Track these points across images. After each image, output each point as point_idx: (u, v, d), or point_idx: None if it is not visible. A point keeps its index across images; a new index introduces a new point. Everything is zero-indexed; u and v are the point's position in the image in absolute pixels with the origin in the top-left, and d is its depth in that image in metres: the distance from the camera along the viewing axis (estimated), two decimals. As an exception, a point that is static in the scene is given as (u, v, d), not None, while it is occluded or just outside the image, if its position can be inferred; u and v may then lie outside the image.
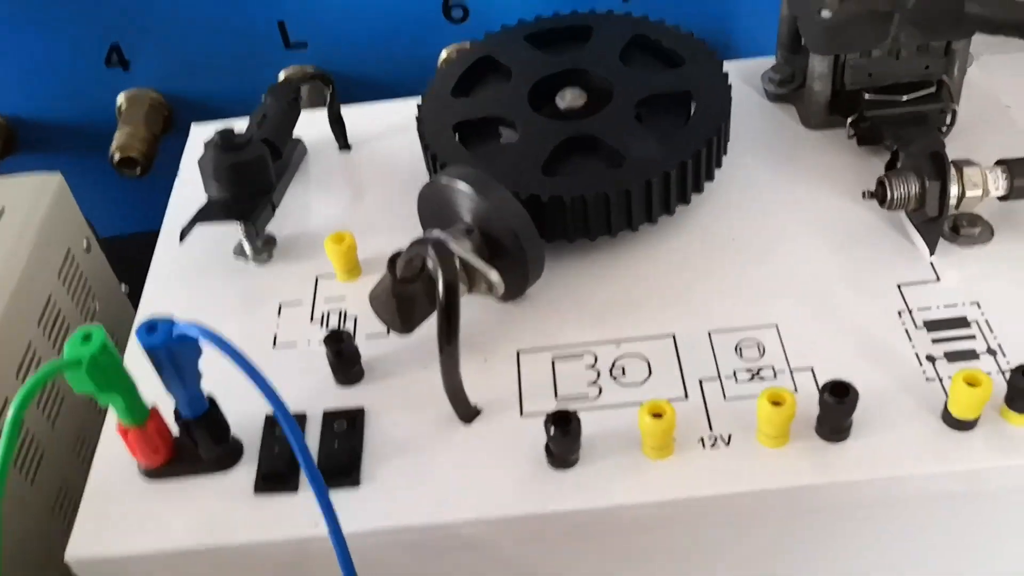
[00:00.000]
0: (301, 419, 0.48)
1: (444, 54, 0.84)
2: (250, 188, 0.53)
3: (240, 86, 0.87)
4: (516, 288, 0.51)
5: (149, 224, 0.63)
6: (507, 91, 0.57)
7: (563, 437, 0.43)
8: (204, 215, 0.52)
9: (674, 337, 0.49)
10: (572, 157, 0.54)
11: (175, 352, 0.41)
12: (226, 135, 0.52)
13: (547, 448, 0.44)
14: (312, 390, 0.49)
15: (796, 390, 0.46)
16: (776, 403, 0.43)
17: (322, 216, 0.59)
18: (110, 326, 0.45)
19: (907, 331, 0.48)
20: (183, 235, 0.52)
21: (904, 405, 0.45)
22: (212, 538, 0.44)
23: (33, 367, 0.62)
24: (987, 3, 0.49)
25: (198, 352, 0.42)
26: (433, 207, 0.51)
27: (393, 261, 0.46)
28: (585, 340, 0.50)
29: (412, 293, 0.46)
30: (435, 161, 0.54)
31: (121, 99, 0.88)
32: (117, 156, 0.84)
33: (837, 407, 0.43)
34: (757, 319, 0.50)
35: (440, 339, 0.43)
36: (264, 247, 0.56)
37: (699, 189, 0.54)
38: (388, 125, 0.64)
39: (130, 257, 0.69)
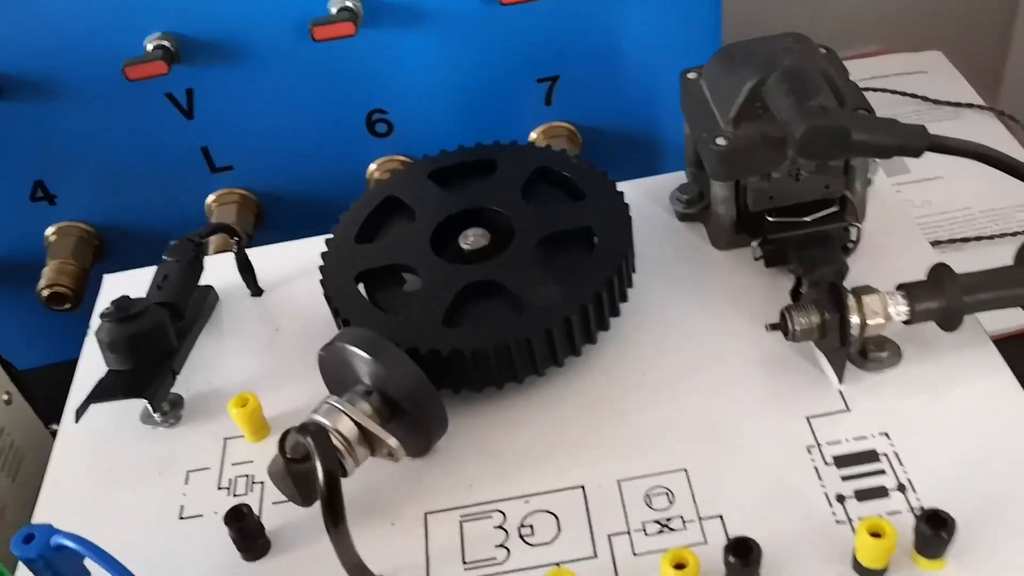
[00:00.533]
0: (205, 601, 0.47)
1: (373, 166, 0.84)
2: (149, 357, 0.52)
3: (169, 211, 0.87)
4: (420, 446, 0.50)
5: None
6: (410, 234, 0.57)
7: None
8: (98, 394, 0.51)
9: (583, 489, 0.48)
10: (476, 302, 0.53)
11: (55, 563, 0.40)
12: (121, 304, 0.52)
13: (451, 625, 0.43)
14: (216, 567, 0.48)
15: (705, 541, 0.45)
16: (679, 566, 0.42)
17: (232, 370, 0.58)
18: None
19: (816, 468, 0.47)
20: (78, 415, 0.51)
21: (814, 552, 0.44)
22: None
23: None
24: (872, 129, 0.49)
25: (80, 561, 0.41)
26: (333, 368, 0.51)
27: (283, 441, 0.46)
28: (493, 497, 0.49)
29: (306, 470, 0.45)
30: (337, 315, 0.53)
31: (49, 232, 0.87)
32: (46, 292, 0.84)
33: (741, 568, 0.42)
34: (666, 464, 0.49)
35: (326, 524, 0.42)
36: (171, 410, 0.55)
37: (604, 327, 0.53)
38: (300, 265, 0.63)
39: (63, 385, 0.68)
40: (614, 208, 0.55)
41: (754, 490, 0.47)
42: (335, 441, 0.46)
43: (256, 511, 0.50)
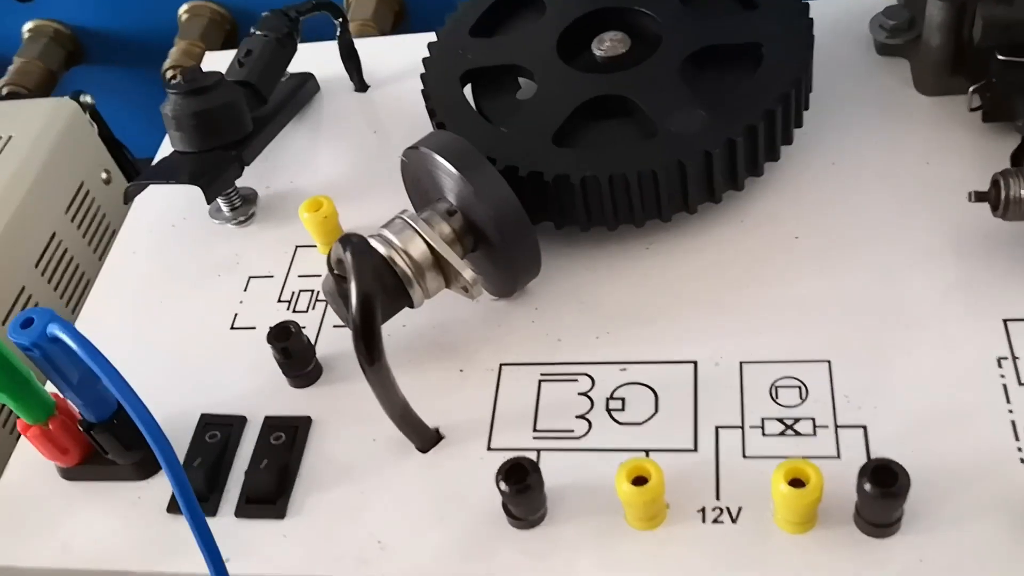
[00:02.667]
0: (240, 423, 0.41)
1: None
2: (216, 140, 0.45)
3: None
4: (505, 286, 0.42)
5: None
6: (536, 31, 0.47)
7: (517, 495, 0.34)
8: (151, 174, 0.44)
9: (695, 365, 0.39)
10: (599, 121, 0.43)
11: (51, 352, 0.34)
12: (190, 76, 0.44)
13: (503, 504, 0.35)
14: (259, 389, 0.42)
15: (839, 455, 0.35)
16: (796, 483, 0.32)
17: (318, 170, 0.51)
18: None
19: (1005, 387, 0.36)
20: (128, 196, 0.45)
21: (983, 494, 0.34)
22: (109, 562, 0.38)
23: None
24: None
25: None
26: (416, 177, 0.42)
27: (330, 254, 0.38)
28: (583, 358, 0.40)
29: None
30: (433, 117, 0.45)
31: (182, 10, 0.82)
32: (169, 74, 0.79)
33: (878, 500, 0.32)
34: (806, 351, 0.38)
35: (360, 361, 0.35)
36: (242, 206, 0.48)
37: (757, 172, 0.42)
38: (415, 61, 0.54)
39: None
40: (792, 23, 0.43)
41: (914, 402, 0.36)
42: (402, 264, 0.38)
43: (313, 333, 0.43)
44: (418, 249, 0.39)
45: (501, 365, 0.41)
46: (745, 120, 0.40)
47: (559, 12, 0.47)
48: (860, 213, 0.42)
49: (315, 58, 0.55)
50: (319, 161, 0.51)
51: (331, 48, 0.55)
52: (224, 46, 0.82)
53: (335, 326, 0.43)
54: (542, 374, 0.40)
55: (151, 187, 0.47)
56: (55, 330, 0.33)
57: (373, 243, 0.38)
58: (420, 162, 0.41)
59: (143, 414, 0.32)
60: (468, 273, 0.39)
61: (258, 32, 0.49)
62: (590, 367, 0.40)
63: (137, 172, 0.72)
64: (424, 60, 0.47)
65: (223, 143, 0.45)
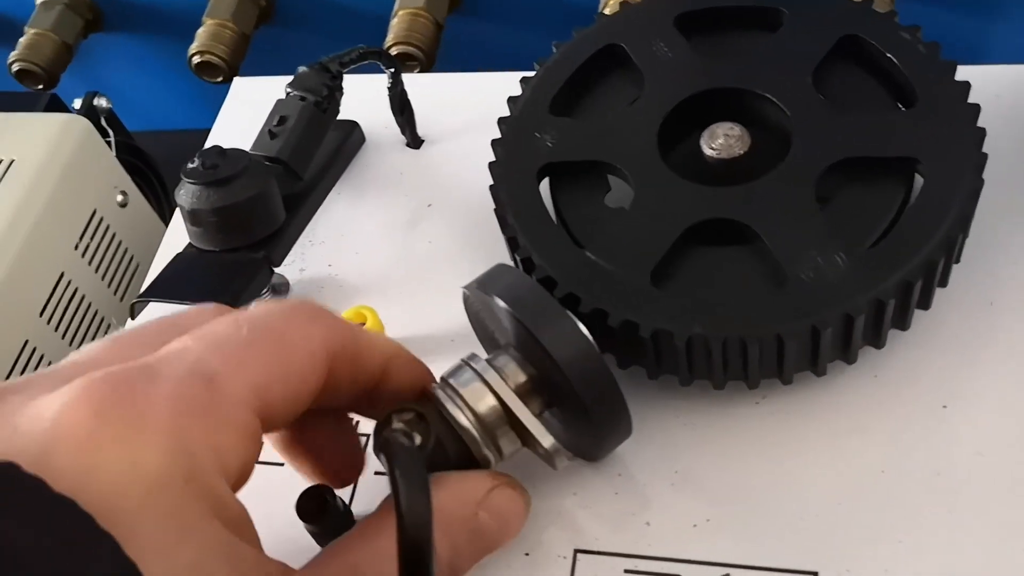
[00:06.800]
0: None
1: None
2: (241, 239, 0.37)
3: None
4: (587, 450, 0.35)
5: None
6: (631, 114, 0.38)
7: None
8: (165, 287, 0.37)
9: (816, 578, 0.32)
10: (708, 247, 0.35)
11: None
12: (211, 161, 0.36)
13: None
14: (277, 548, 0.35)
15: None
16: None
17: (363, 254, 0.43)
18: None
19: None
20: (133, 310, 0.37)
21: None
22: None
23: (33, 367, 0.51)
24: None
25: None
26: (478, 314, 0.35)
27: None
28: (677, 552, 0.33)
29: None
30: (504, 227, 0.37)
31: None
32: (196, 59, 0.70)
33: None
34: (959, 573, 0.31)
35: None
36: (272, 299, 0.41)
37: (903, 327, 0.34)
38: (481, 110, 0.45)
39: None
40: (959, 129, 0.34)
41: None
42: (465, 422, 0.31)
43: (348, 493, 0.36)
44: (487, 404, 0.31)
45: (576, 552, 0.34)
46: (899, 273, 0.32)
47: (660, 89, 0.38)
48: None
49: (356, 94, 0.46)
50: (362, 240, 0.43)
51: (377, 82, 0.46)
52: (258, 25, 0.73)
53: (377, 473, 0.37)
54: (626, 570, 0.33)
55: (165, 278, 0.40)
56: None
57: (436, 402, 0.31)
58: (484, 302, 0.33)
59: None
60: (548, 440, 0.32)
61: (293, 92, 0.40)
62: (684, 567, 0.33)
63: (162, 185, 0.65)
64: (493, 143, 0.38)
65: (249, 241, 0.38)
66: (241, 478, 0.26)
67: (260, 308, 0.28)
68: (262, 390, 0.26)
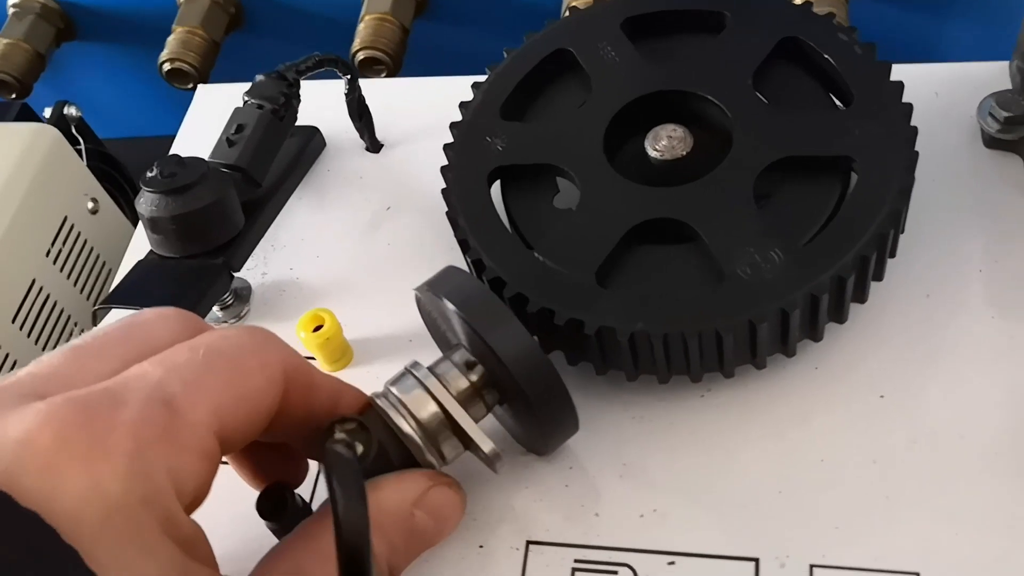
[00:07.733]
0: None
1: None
2: (200, 245, 0.38)
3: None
4: (535, 445, 0.36)
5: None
6: (579, 117, 0.39)
7: None
8: (125, 293, 0.38)
9: (756, 564, 0.33)
10: (651, 245, 0.36)
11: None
12: (169, 170, 0.37)
13: None
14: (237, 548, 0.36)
15: None
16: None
17: (324, 256, 0.44)
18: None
19: None
20: (95, 317, 0.38)
21: None
22: None
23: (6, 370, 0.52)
24: None
25: None
26: (430, 315, 0.36)
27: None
28: (624, 542, 0.34)
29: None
30: (456, 229, 0.38)
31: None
32: (167, 67, 0.71)
33: None
34: (894, 557, 0.32)
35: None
36: (234, 303, 0.42)
37: (840, 318, 0.36)
38: (438, 113, 0.46)
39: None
40: (892, 128, 0.35)
41: (1024, 640, 0.30)
42: (408, 429, 0.32)
43: (309, 491, 0.37)
44: (428, 411, 0.32)
45: (528, 543, 0.35)
46: (832, 269, 0.33)
47: (607, 93, 0.39)
48: (960, 361, 0.36)
49: (317, 100, 0.47)
50: (323, 244, 0.44)
51: (338, 88, 0.47)
52: (228, 32, 0.74)
53: (337, 470, 0.37)
54: (576, 560, 0.34)
55: (129, 285, 0.41)
56: None
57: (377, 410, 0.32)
58: (434, 303, 0.34)
59: None
60: (488, 446, 0.33)
61: (251, 101, 0.41)
62: (632, 556, 0.34)
63: (134, 191, 0.66)
64: (445, 148, 0.39)
65: (209, 248, 0.39)
66: (198, 498, 0.27)
67: (216, 333, 0.29)
68: (220, 412, 0.27)
